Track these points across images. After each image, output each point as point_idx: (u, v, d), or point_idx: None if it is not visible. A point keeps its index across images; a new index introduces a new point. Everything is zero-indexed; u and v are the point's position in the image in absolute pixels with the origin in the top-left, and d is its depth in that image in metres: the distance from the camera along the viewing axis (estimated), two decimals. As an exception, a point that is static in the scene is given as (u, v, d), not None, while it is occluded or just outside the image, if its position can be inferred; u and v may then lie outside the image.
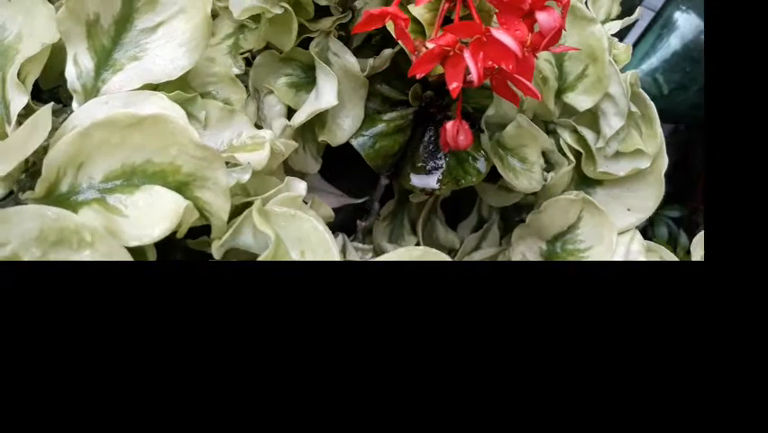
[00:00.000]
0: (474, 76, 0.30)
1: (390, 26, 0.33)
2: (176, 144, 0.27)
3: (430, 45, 0.31)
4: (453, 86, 0.31)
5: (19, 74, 0.29)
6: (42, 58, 0.30)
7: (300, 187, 0.33)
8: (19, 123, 0.29)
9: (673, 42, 0.71)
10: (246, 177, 0.30)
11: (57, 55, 0.31)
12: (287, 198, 0.32)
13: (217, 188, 0.27)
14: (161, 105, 0.27)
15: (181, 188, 0.27)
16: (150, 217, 0.25)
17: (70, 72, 0.29)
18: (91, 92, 0.30)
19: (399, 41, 0.33)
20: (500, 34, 0.29)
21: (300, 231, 0.30)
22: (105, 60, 0.30)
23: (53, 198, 0.26)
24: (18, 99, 0.29)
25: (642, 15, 0.69)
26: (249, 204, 0.31)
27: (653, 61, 0.71)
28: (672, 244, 0.79)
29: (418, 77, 0.31)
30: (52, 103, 0.27)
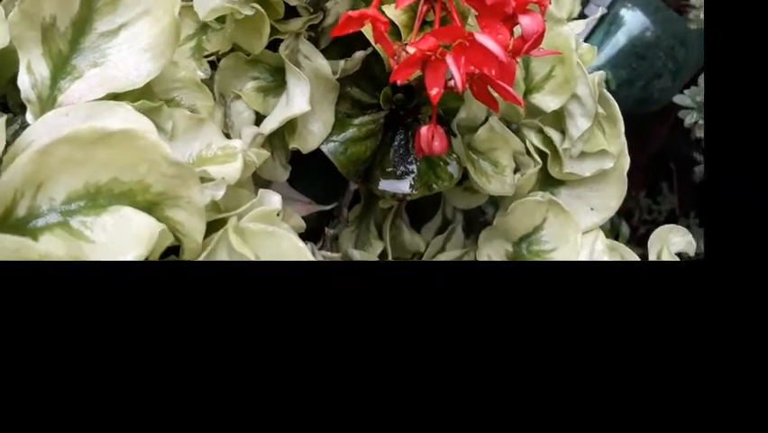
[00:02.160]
0: (458, 81, 0.29)
1: (367, 30, 0.31)
2: (146, 161, 0.25)
3: (411, 50, 0.30)
4: (434, 91, 0.30)
5: (-37, 82, 0.27)
6: (-11, 64, 0.27)
7: (274, 200, 0.31)
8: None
9: (620, 39, 0.72)
10: (220, 193, 0.28)
11: (3, 60, 0.29)
12: (262, 212, 0.30)
13: (191, 207, 0.26)
14: (128, 117, 0.25)
15: (151, 207, 0.25)
16: (119, 243, 0.23)
17: (23, 81, 0.27)
18: (47, 102, 0.27)
19: (377, 45, 0.32)
20: (484, 39, 0.28)
21: (279, 249, 0.28)
22: (61, 67, 0.27)
23: (9, 223, 0.24)
24: (-36, 111, 0.26)
25: (589, 13, 0.70)
26: (220, 221, 0.30)
27: (601, 57, 0.72)
28: (613, 233, 0.81)
29: (399, 82, 0.30)
30: (6, 116, 0.25)
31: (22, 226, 0.24)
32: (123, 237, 0.23)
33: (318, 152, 0.39)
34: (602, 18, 0.74)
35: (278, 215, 0.32)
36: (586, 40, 0.71)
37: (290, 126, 0.37)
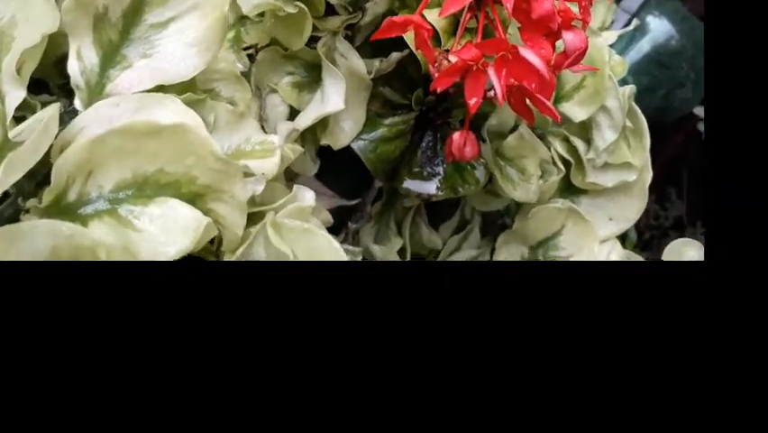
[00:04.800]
0: (499, 94, 0.29)
1: (409, 37, 0.32)
2: (194, 155, 0.25)
3: (453, 58, 0.30)
4: (473, 101, 0.31)
5: (13, 65, 0.27)
6: (41, 47, 0.28)
7: (308, 196, 0.32)
8: (15, 119, 0.26)
9: (645, 46, 0.72)
10: (260, 188, 0.28)
11: (50, 44, 0.29)
12: (296, 208, 0.31)
13: (234, 201, 0.26)
14: (178, 110, 0.26)
15: (195, 199, 0.26)
16: (166, 234, 0.24)
17: (73, 67, 0.27)
18: (95, 89, 0.28)
19: (417, 51, 0.32)
20: (528, 53, 0.28)
21: (312, 246, 0.29)
22: (111, 56, 0.28)
23: (60, 207, 0.24)
24: (14, 94, 0.26)
25: (616, 17, 0.70)
26: (255, 214, 0.30)
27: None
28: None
29: (439, 90, 0.30)
30: (59, 103, 0.25)
31: (72, 212, 0.24)
32: (170, 229, 0.24)
33: (345, 147, 0.40)
34: (628, 23, 0.74)
35: (310, 211, 0.33)
36: (610, 46, 0.72)
37: (322, 122, 0.38)
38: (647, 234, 0.96)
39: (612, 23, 0.55)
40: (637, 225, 0.92)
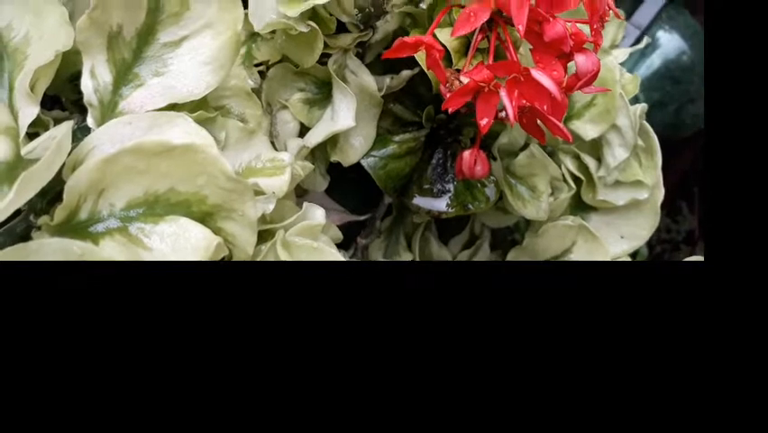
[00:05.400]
0: (510, 115, 0.29)
1: (420, 57, 0.32)
2: (205, 174, 0.25)
3: (464, 79, 0.30)
4: (484, 121, 0.31)
5: (27, 82, 0.27)
6: (54, 65, 0.28)
7: (318, 214, 0.32)
8: (28, 135, 0.27)
9: (656, 61, 0.71)
10: (271, 207, 0.28)
11: (64, 61, 0.29)
12: (306, 226, 0.31)
13: (244, 220, 0.26)
14: (189, 129, 0.26)
15: (205, 218, 0.26)
16: (177, 252, 0.24)
17: (87, 85, 0.27)
18: (108, 107, 0.28)
19: (429, 71, 0.32)
20: (540, 75, 0.28)
21: (322, 264, 0.29)
22: (124, 74, 0.28)
23: (71, 225, 0.24)
24: (28, 110, 0.27)
25: (627, 33, 0.69)
26: (265, 231, 0.30)
27: (635, 78, 0.72)
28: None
29: (451, 111, 0.30)
30: (71, 121, 0.25)
31: (83, 230, 0.24)
32: (180, 247, 0.24)
33: (355, 163, 0.40)
34: (638, 40, 0.73)
35: (320, 229, 0.33)
36: (621, 62, 0.71)
37: (332, 139, 0.38)
38: (658, 247, 0.95)
39: (623, 38, 0.54)
40: (648, 239, 0.91)
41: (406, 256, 0.49)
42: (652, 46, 0.73)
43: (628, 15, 0.71)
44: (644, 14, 0.72)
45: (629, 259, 0.50)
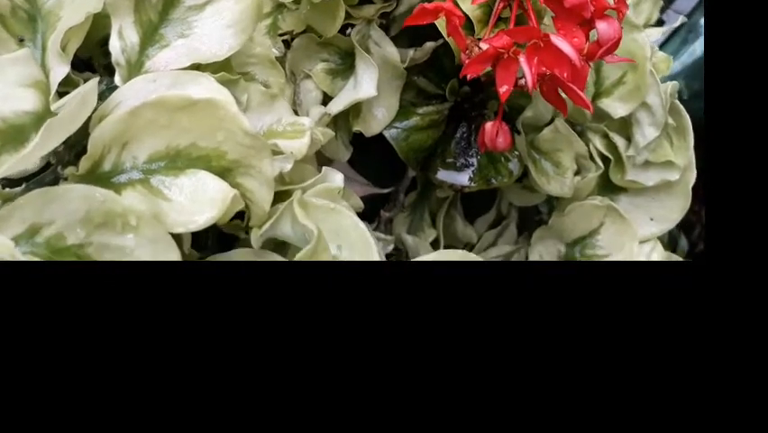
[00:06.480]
0: (529, 81, 0.29)
1: (441, 23, 0.32)
2: (224, 130, 0.26)
3: (484, 46, 0.30)
4: (504, 89, 0.31)
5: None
6: (85, 27, 0.29)
7: (337, 178, 0.32)
8: (59, 94, 0.28)
9: (697, 49, 0.69)
10: (288, 166, 0.29)
11: (94, 24, 0.30)
12: (325, 189, 0.31)
13: (262, 177, 0.27)
14: (210, 87, 0.26)
15: (224, 173, 0.27)
16: (195, 204, 0.25)
17: (114, 45, 0.28)
18: (135, 67, 0.29)
19: (449, 38, 0.32)
20: (559, 41, 0.28)
21: (338, 226, 0.29)
22: (151, 36, 0.29)
23: (95, 175, 0.25)
24: (59, 69, 0.28)
25: (668, 19, 0.68)
26: (284, 192, 0.31)
27: (676, 66, 0.70)
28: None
29: (469, 77, 0.31)
30: (98, 77, 0.26)
31: (106, 180, 0.25)
32: (199, 199, 0.25)
33: (379, 136, 0.40)
34: (681, 26, 0.72)
35: (338, 193, 0.33)
36: (661, 47, 0.70)
37: (355, 109, 0.38)
38: (701, 244, 0.93)
39: (660, 22, 0.53)
40: (690, 235, 0.89)
41: (430, 233, 0.49)
42: (694, 33, 0.71)
43: (670, 1, 0.70)
44: (687, 0, 0.70)
45: (658, 243, 0.49)
